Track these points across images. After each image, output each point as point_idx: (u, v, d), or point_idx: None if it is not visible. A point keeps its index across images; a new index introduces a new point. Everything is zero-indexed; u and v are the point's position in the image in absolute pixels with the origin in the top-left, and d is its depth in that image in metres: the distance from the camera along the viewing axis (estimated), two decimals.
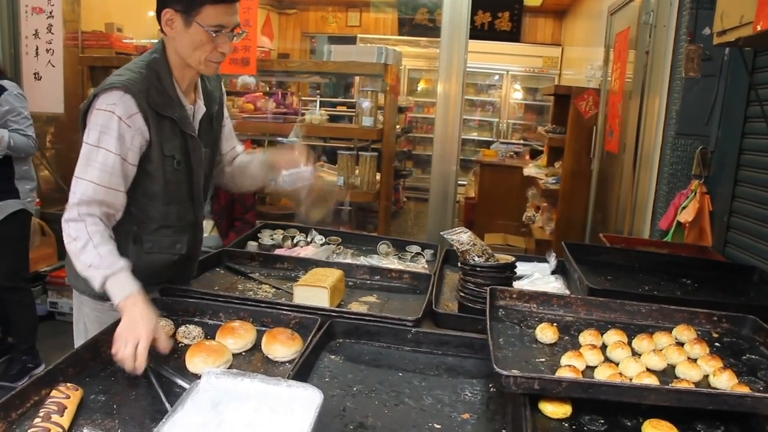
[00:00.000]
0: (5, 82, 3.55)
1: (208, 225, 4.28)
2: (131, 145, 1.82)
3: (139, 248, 1.97)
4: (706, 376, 1.49)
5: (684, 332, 1.68)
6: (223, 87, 2.21)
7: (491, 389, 1.53)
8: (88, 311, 2.05)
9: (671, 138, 3.18)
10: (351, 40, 10.12)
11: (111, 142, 1.78)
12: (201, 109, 2.03)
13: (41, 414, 1.26)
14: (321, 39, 10.87)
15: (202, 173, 2.04)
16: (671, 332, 1.70)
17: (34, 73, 4.98)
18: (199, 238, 2.14)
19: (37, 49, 4.94)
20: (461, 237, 2.01)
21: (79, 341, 2.06)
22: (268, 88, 8.45)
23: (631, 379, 1.43)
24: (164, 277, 2.03)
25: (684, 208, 3.02)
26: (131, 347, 1.52)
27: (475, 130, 11.23)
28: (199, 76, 2.01)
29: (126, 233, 1.95)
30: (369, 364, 1.64)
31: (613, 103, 4.51)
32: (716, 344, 1.70)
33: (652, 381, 1.41)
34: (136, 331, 1.55)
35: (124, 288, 1.68)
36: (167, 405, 1.36)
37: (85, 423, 1.30)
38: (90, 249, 1.73)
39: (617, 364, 1.52)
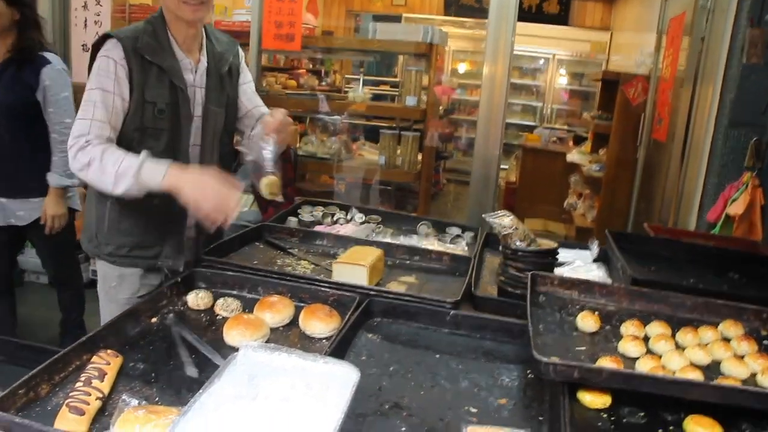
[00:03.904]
0: (50, 55, 3.34)
1: (248, 199, 4.31)
2: (127, 86, 1.95)
3: (111, 204, 2.07)
4: (754, 375, 1.44)
5: (731, 328, 1.63)
6: (240, 53, 2.31)
7: (529, 375, 1.51)
8: (103, 273, 2.20)
9: (724, 128, 3.09)
10: (396, 19, 10.02)
11: (109, 83, 1.92)
12: (203, 66, 2.12)
13: (82, 378, 1.28)
14: (365, 17, 10.79)
15: (191, 128, 2.10)
16: (717, 327, 1.65)
17: (82, 45, 5.03)
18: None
19: (85, 20, 4.99)
20: (504, 221, 1.98)
21: (103, 306, 2.24)
22: (311, 66, 8.46)
23: (674, 373, 1.39)
24: (147, 245, 2.13)
25: (734, 200, 2.93)
26: (215, 199, 1.70)
27: (518, 114, 11.08)
28: (198, 33, 2.11)
29: (100, 192, 2.02)
30: (406, 344, 1.63)
31: (663, 90, 4.40)
32: (765, 342, 1.64)
33: (696, 376, 1.37)
34: (207, 187, 1.72)
35: (159, 166, 1.79)
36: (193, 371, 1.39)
37: (124, 389, 1.32)
38: (107, 159, 1.82)
39: (660, 357, 1.48)
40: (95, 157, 1.83)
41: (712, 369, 1.47)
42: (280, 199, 2.05)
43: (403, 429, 1.26)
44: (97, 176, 1.83)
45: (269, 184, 2.02)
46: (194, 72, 2.10)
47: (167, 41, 2.03)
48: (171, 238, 2.15)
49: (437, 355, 1.58)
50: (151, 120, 2.00)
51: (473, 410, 1.34)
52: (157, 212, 2.06)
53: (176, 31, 2.05)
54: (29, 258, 5.01)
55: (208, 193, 1.70)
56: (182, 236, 2.18)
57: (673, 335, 1.60)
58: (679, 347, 1.55)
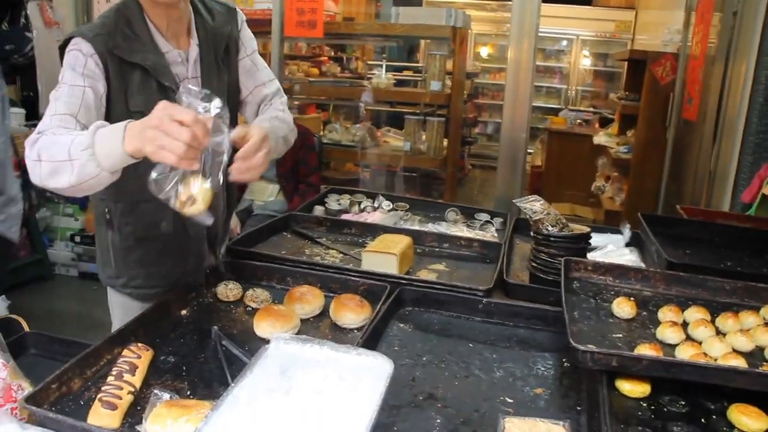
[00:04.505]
0: None
1: (274, 189, 4.31)
2: (102, 82, 1.61)
3: (116, 235, 1.81)
4: None
5: None
6: (240, 18, 1.93)
7: (565, 364, 1.48)
8: (116, 301, 1.96)
9: (759, 104, 3.01)
10: (417, 3, 9.96)
11: (77, 77, 1.57)
12: (195, 52, 1.78)
13: (114, 372, 1.27)
14: (386, 3, 10.73)
15: None
16: (759, 312, 1.60)
17: None
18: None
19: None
20: (534, 206, 1.94)
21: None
22: (333, 53, 8.44)
23: (716, 360, 1.35)
24: (164, 274, 1.87)
25: None
26: (171, 124, 1.24)
27: (542, 97, 10.95)
28: (183, 14, 1.75)
29: (100, 217, 1.82)
30: (438, 333, 1.61)
31: (693, 68, 4.30)
32: None
33: (740, 363, 1.33)
34: (154, 119, 1.26)
35: (116, 129, 1.35)
36: (228, 376, 1.35)
37: (155, 383, 1.31)
38: (56, 142, 1.41)
39: (700, 343, 1.44)
40: (44, 146, 1.42)
41: (755, 355, 1.42)
42: (205, 218, 1.42)
43: (438, 420, 1.23)
44: (51, 170, 1.40)
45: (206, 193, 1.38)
46: (185, 62, 1.76)
47: (146, 32, 1.68)
48: (191, 260, 1.91)
49: (470, 344, 1.55)
50: None
51: (509, 401, 1.32)
52: (171, 238, 1.82)
53: (155, 16, 1.69)
54: (60, 251, 5.09)
55: (152, 125, 1.26)
56: (203, 257, 1.94)
57: (713, 320, 1.55)
58: (720, 333, 1.50)
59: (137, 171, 1.38)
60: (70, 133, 1.43)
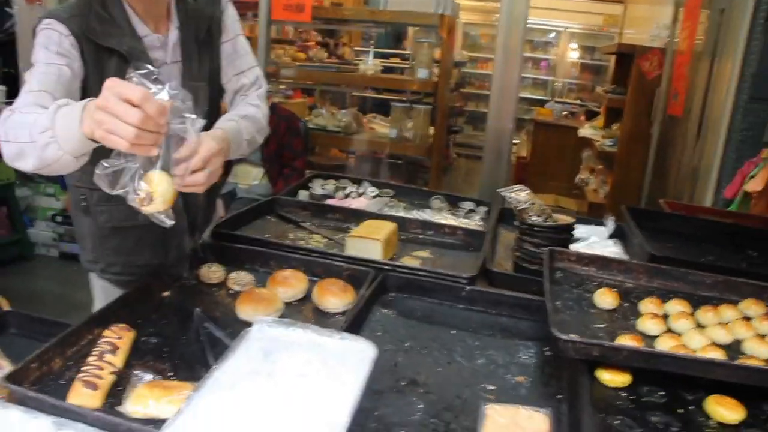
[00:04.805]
0: None
1: (258, 173, 4.29)
2: (78, 63, 1.53)
3: (92, 222, 1.77)
4: None
5: (752, 306, 1.59)
6: (225, 1, 1.84)
7: (546, 353, 1.48)
8: (96, 284, 1.94)
9: (744, 102, 3.04)
10: None
11: (51, 56, 1.48)
12: (174, 36, 1.69)
13: (95, 353, 1.26)
14: None
15: None
16: (738, 306, 1.61)
17: None
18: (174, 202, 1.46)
19: None
20: (519, 195, 1.95)
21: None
22: (320, 38, 8.39)
23: (695, 352, 1.37)
24: (142, 264, 1.81)
25: (752, 177, 2.88)
26: (118, 104, 1.11)
27: (529, 88, 10.98)
28: None
29: (76, 203, 1.77)
30: (421, 320, 1.61)
31: (680, 64, 4.32)
32: None
33: (718, 355, 1.34)
34: (101, 99, 1.13)
35: (73, 108, 1.23)
36: (210, 358, 1.34)
37: (137, 364, 1.30)
38: (29, 121, 1.29)
39: (680, 335, 1.45)
40: (11, 126, 1.33)
41: (734, 348, 1.44)
42: (164, 218, 1.29)
43: (420, 406, 1.24)
44: (16, 151, 1.32)
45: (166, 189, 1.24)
46: (165, 47, 1.68)
47: (122, 15, 1.59)
48: (171, 251, 1.85)
49: (453, 331, 1.56)
50: None
51: (491, 388, 1.32)
52: (149, 228, 1.56)
53: (135, 0, 1.62)
54: (40, 231, 5.04)
55: (99, 106, 1.14)
56: (183, 247, 1.86)
57: (693, 313, 1.57)
58: (700, 326, 1.52)
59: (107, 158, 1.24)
60: (36, 112, 1.31)
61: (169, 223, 1.30)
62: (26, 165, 1.33)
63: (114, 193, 1.22)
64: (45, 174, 1.39)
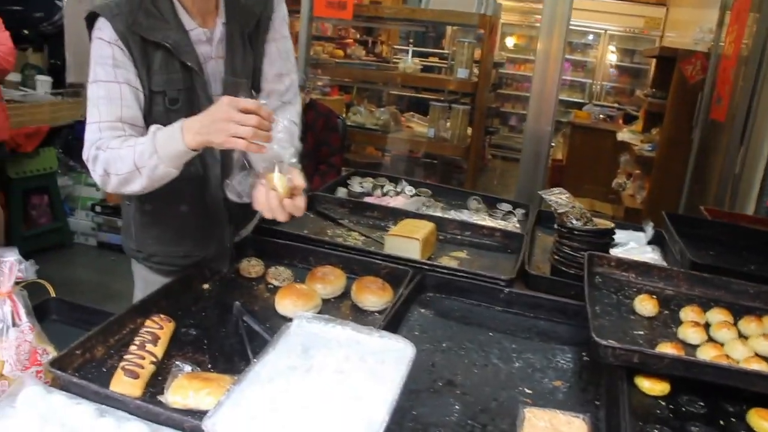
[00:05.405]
0: None
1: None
2: (132, 68, 1.59)
3: (137, 211, 1.81)
4: None
5: None
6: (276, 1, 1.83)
7: (584, 358, 1.47)
8: (138, 273, 1.96)
9: None
10: None
11: (108, 72, 1.55)
12: (220, 31, 1.70)
13: (137, 342, 1.29)
14: None
15: None
16: None
17: None
18: (215, 195, 1.76)
19: None
20: (560, 198, 1.93)
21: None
22: (358, 36, 8.41)
23: (738, 363, 1.34)
24: (183, 254, 1.82)
25: None
26: (238, 113, 1.37)
27: (566, 90, 10.85)
28: None
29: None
30: (459, 320, 1.61)
31: (725, 68, 4.24)
32: None
33: (762, 367, 1.32)
34: (222, 112, 1.39)
35: (172, 130, 1.46)
36: (249, 352, 1.36)
37: (177, 355, 1.33)
38: (120, 156, 1.50)
39: (722, 345, 1.43)
40: (108, 163, 1.51)
41: None
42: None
43: (457, 407, 1.24)
44: (121, 181, 1.52)
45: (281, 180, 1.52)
46: (210, 42, 1.69)
47: (170, 8, 1.61)
48: (212, 244, 1.82)
49: (490, 333, 1.56)
50: (162, 114, 1.62)
51: (528, 391, 1.32)
52: (189, 219, 1.78)
53: None
54: (79, 220, 5.13)
55: (221, 118, 1.38)
56: (224, 241, 1.84)
57: (735, 323, 1.54)
58: (742, 336, 1.49)
59: None
60: (128, 142, 1.51)
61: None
62: (133, 188, 1.53)
63: (239, 197, 1.61)
64: (149, 190, 1.55)
